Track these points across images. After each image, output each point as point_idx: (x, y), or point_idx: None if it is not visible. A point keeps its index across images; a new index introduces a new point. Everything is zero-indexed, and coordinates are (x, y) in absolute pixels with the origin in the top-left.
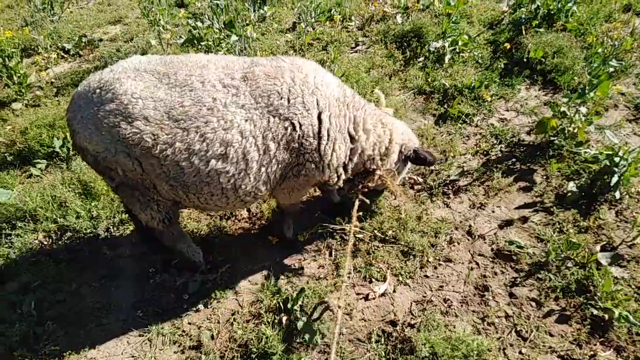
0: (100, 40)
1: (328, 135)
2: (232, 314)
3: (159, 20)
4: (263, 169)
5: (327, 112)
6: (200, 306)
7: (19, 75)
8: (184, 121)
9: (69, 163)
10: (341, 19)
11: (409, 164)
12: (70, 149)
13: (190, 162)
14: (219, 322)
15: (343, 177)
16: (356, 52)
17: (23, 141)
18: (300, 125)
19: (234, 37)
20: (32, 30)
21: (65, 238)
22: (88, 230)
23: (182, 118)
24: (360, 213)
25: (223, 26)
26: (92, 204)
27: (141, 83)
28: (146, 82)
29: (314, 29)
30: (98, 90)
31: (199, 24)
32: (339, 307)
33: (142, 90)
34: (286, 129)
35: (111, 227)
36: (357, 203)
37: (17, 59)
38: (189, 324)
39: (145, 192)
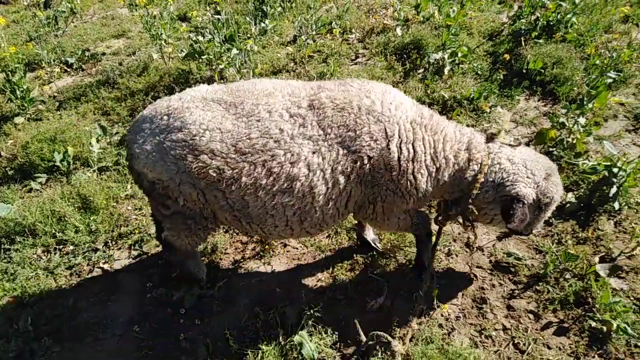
0: (103, 54)
1: (399, 165)
2: (229, 329)
3: (161, 34)
4: (331, 203)
5: (396, 140)
6: (197, 321)
7: (21, 89)
8: (251, 154)
9: (69, 177)
10: (341, 31)
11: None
12: (71, 163)
13: (256, 196)
14: (215, 337)
15: (425, 202)
16: (356, 64)
17: (24, 155)
18: (370, 158)
19: (234, 51)
20: (36, 45)
21: (64, 252)
22: (86, 245)
23: (249, 151)
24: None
25: (224, 40)
26: (91, 217)
27: (209, 113)
28: (214, 112)
29: (314, 41)
30: (166, 117)
31: (200, 38)
32: (401, 354)
33: (209, 120)
34: (355, 162)
35: (109, 241)
36: (438, 234)
37: (20, 74)
38: (185, 339)
39: (200, 221)
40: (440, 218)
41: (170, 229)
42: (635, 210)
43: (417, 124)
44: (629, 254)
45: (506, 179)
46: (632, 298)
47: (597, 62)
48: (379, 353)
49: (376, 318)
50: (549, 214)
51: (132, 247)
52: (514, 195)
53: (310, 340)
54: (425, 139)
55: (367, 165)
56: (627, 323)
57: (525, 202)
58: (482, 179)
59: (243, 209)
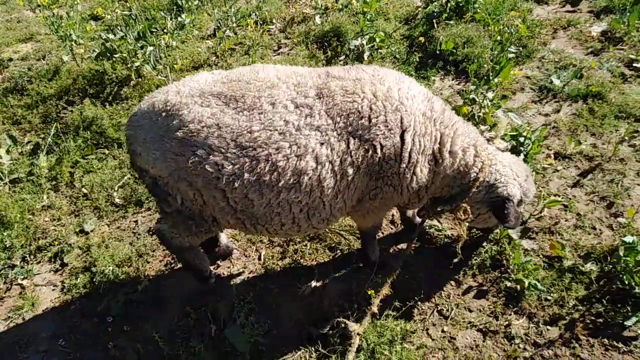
0: (10, 59)
1: (409, 157)
2: (159, 331)
3: (70, 35)
4: (340, 196)
5: (411, 131)
6: (126, 327)
7: None
8: (253, 149)
9: None
10: (261, 22)
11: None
12: None
13: (261, 194)
14: (145, 341)
15: (424, 200)
16: (279, 54)
17: None
18: (382, 147)
19: (150, 48)
20: None
21: None
22: (1, 262)
23: (250, 145)
24: None
25: (138, 37)
26: (5, 233)
27: (208, 109)
28: (213, 107)
29: (236, 34)
30: (164, 114)
31: (111, 36)
32: (358, 334)
33: (208, 117)
34: (367, 151)
35: (27, 255)
36: (418, 227)
37: None
38: (115, 347)
39: (200, 222)
40: (424, 212)
41: (172, 226)
42: (542, 175)
43: (427, 117)
44: (538, 216)
45: (498, 180)
46: (541, 256)
47: (499, 38)
48: (337, 336)
49: (308, 303)
50: (520, 210)
51: (52, 260)
52: (505, 196)
53: (243, 332)
54: (432, 132)
55: (379, 154)
56: (538, 280)
57: (515, 201)
58: (482, 178)
59: (247, 209)
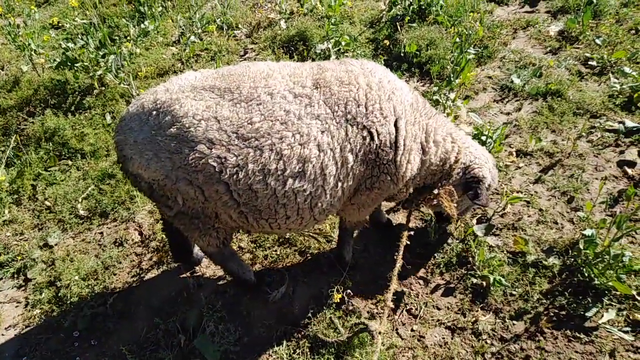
0: None
1: (404, 144)
2: (128, 344)
3: (29, 44)
4: (339, 184)
5: (404, 119)
6: (93, 341)
7: None
8: (256, 139)
9: None
10: (227, 27)
11: None
12: None
13: (266, 184)
14: (113, 356)
15: (410, 190)
16: (246, 59)
17: None
18: (378, 134)
19: (112, 56)
20: None
21: None
22: None
23: (252, 136)
24: None
25: (99, 45)
26: None
27: (202, 102)
28: (207, 101)
29: (201, 39)
30: (155, 112)
31: (71, 44)
32: (380, 332)
33: (204, 110)
34: (364, 138)
35: None
36: (409, 218)
37: None
38: None
39: (205, 220)
40: (408, 204)
41: (185, 230)
42: (504, 172)
43: (414, 108)
44: (501, 213)
45: (473, 162)
46: (505, 252)
47: (457, 40)
48: (358, 339)
49: (277, 308)
50: (488, 193)
51: (15, 276)
52: (480, 176)
53: (212, 341)
54: (420, 122)
55: (376, 141)
56: (503, 275)
57: (486, 183)
58: (460, 160)
59: (250, 201)
